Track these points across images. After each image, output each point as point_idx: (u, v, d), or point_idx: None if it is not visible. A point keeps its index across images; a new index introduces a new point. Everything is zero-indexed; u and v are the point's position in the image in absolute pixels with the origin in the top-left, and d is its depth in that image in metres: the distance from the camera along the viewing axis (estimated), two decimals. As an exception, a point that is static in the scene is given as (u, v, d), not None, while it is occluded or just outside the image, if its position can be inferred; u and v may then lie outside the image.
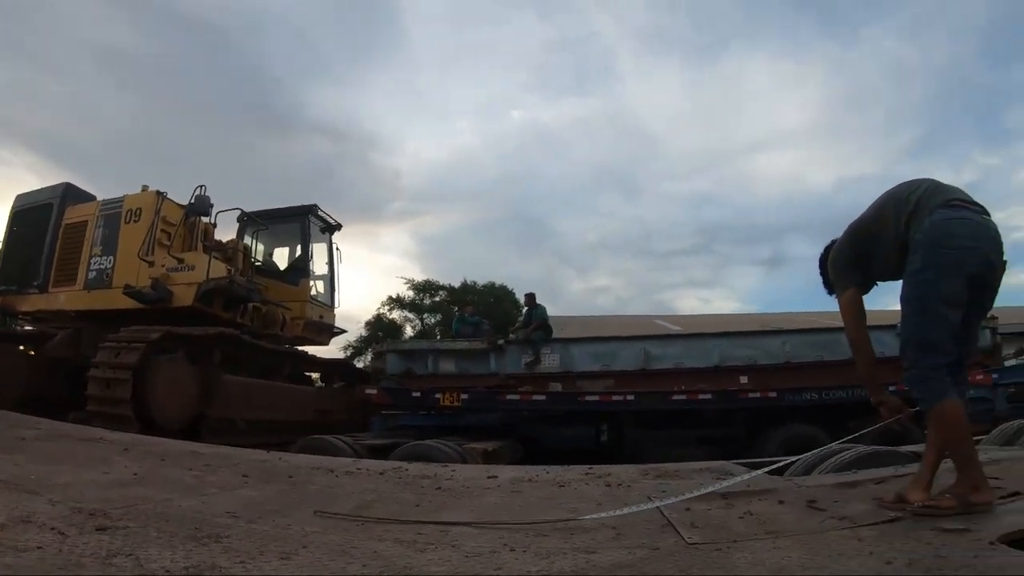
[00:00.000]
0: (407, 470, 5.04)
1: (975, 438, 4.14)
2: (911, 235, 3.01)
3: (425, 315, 37.05)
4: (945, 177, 3.44)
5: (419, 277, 38.60)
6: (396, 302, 36.80)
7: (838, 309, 3.47)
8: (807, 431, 9.96)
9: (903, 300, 3.01)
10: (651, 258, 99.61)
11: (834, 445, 4.91)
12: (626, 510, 2.98)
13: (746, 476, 3.90)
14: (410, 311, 37.06)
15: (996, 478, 3.26)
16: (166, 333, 8.43)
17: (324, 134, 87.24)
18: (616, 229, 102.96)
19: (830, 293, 3.59)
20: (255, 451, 6.11)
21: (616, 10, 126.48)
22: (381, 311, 36.61)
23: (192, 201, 10.28)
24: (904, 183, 3.25)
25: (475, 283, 38.07)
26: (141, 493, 3.25)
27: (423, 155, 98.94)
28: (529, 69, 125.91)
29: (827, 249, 3.59)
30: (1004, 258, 3.09)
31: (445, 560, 2.22)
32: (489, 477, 4.63)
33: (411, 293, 37.17)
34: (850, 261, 3.37)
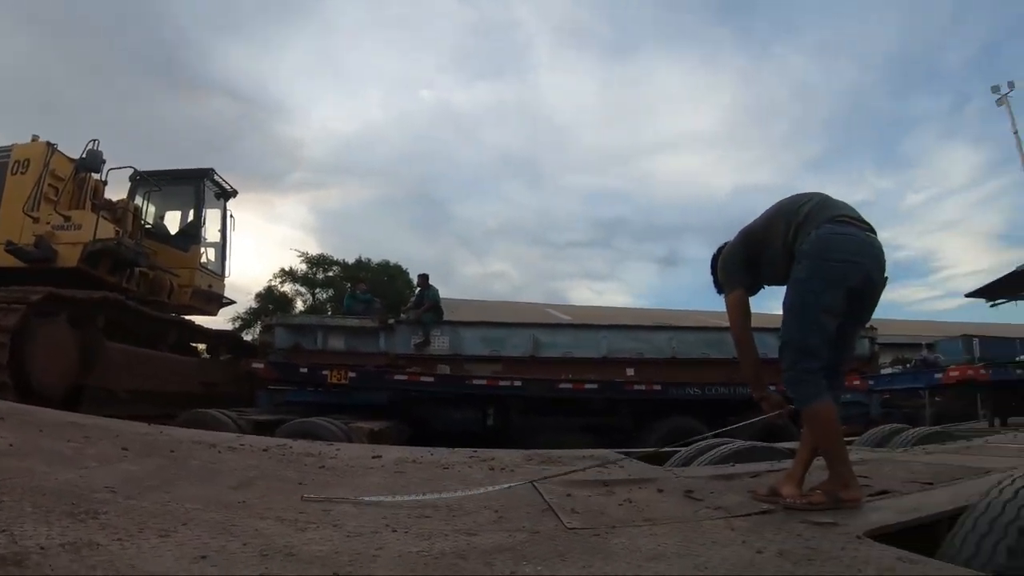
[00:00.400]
0: (291, 447, 4.97)
1: (848, 439, 4.34)
2: (798, 245, 3.15)
3: (317, 290, 36.47)
4: (838, 194, 3.61)
5: (314, 251, 37.80)
6: (288, 275, 36.05)
7: (722, 311, 3.61)
8: (690, 424, 10.21)
9: (785, 306, 3.16)
10: (548, 247, 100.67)
11: (711, 437, 5.10)
12: (500, 487, 3.05)
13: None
14: (302, 285, 36.34)
15: (865, 477, 3.49)
16: (48, 295, 8.03)
17: (228, 95, 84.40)
18: (516, 217, 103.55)
19: (719, 292, 3.70)
20: (136, 423, 5.87)
21: (538, 1, 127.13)
22: (272, 283, 35.82)
23: (83, 156, 9.77)
24: (796, 195, 3.41)
25: (369, 260, 37.60)
26: (16, 465, 3.10)
27: (329, 126, 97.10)
28: (445, 49, 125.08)
29: (719, 250, 3.71)
30: (885, 275, 3.25)
31: (327, 539, 2.21)
32: (374, 457, 4.62)
33: (304, 267, 36.44)
34: (740, 264, 3.49)
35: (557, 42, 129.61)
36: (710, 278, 3.76)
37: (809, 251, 3.08)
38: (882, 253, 3.24)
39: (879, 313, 3.40)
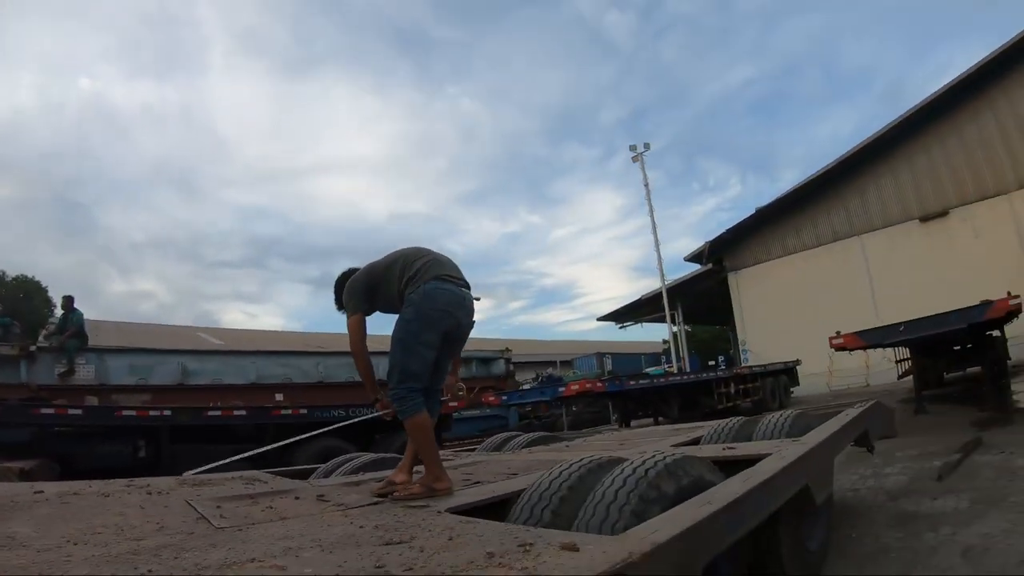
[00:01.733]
0: None
1: (473, 447, 5.36)
2: (408, 293, 4.13)
3: None
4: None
5: None
6: None
7: (373, 334, 4.52)
8: (336, 444, 10.87)
9: (394, 339, 4.09)
10: (199, 265, 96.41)
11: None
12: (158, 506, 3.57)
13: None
14: None
15: (469, 474, 4.64)
16: None
17: None
18: (166, 230, 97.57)
19: (339, 310, 4.62)
20: None
21: (224, 2, 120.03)
22: None
23: None
24: (417, 248, 4.46)
25: (4, 274, 34.20)
26: None
27: None
28: (115, 35, 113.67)
29: (344, 274, 4.66)
30: (473, 319, 4.40)
31: (20, 557, 2.59)
32: (35, 492, 4.68)
33: None
34: (361, 293, 4.35)
35: (235, 48, 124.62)
36: (369, 316, 4.58)
37: (416, 300, 4.06)
38: (471, 304, 4.35)
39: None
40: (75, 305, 13.97)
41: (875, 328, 13.41)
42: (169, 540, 2.79)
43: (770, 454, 3.82)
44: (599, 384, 17.95)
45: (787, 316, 28.56)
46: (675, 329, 37.00)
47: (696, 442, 5.76)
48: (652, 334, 44.25)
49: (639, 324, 41.50)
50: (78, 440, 10.52)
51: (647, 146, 34.92)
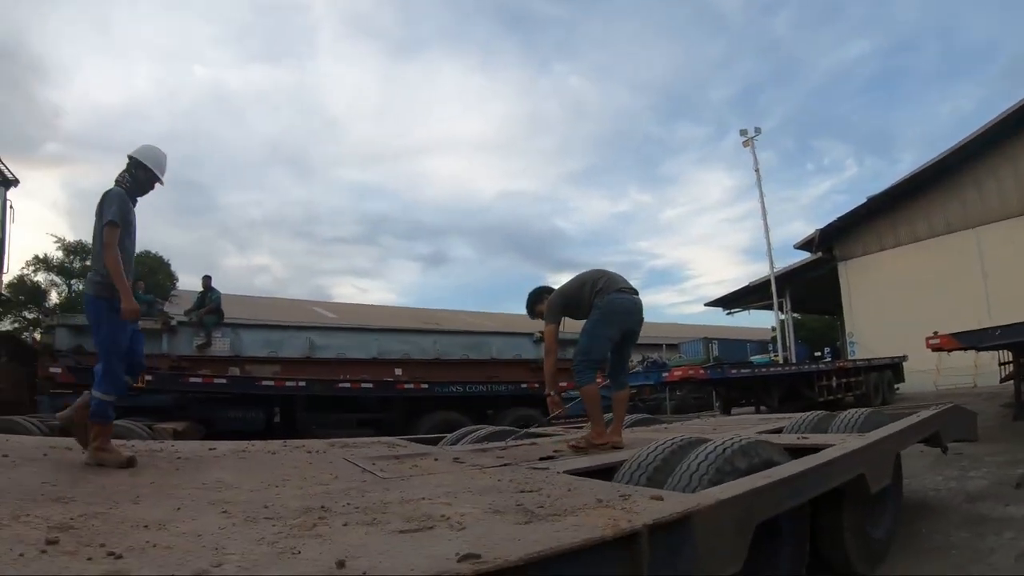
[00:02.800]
0: (134, 446, 5.36)
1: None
2: (595, 302, 5.69)
3: (74, 280, 33.20)
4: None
5: (66, 234, 34.58)
6: (43, 263, 32.90)
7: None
8: (453, 417, 11.84)
9: (584, 330, 5.74)
10: (313, 242, 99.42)
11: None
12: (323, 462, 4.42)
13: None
14: (58, 275, 33.34)
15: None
16: None
17: (-16, 45, 74.09)
18: (281, 208, 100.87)
19: (532, 317, 6.31)
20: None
21: None
22: (25, 272, 32.42)
23: None
24: (595, 271, 6.00)
25: None
26: None
27: (92, 95, 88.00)
28: (225, 24, 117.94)
29: (536, 291, 6.28)
30: (642, 318, 5.93)
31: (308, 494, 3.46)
32: (210, 449, 5.46)
33: (60, 254, 33.41)
34: (557, 309, 5.91)
35: (343, 32, 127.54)
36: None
37: (603, 306, 5.64)
38: (641, 308, 5.90)
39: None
40: (213, 285, 15.08)
41: (972, 330, 13.00)
42: (349, 485, 3.57)
43: (832, 444, 4.48)
44: (701, 371, 18.28)
45: (896, 309, 27.17)
46: (783, 317, 36.33)
47: (779, 431, 6.32)
48: (761, 320, 43.39)
49: (746, 311, 40.87)
50: (214, 405, 11.50)
51: (758, 130, 34.00)
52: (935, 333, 13.58)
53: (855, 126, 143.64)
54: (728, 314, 41.28)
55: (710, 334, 41.69)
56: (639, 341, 6.09)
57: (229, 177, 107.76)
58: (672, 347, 43.35)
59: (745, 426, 7.32)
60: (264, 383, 11.75)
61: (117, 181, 5.01)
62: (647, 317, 5.99)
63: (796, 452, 4.28)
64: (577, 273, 6.09)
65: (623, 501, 2.71)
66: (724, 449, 3.69)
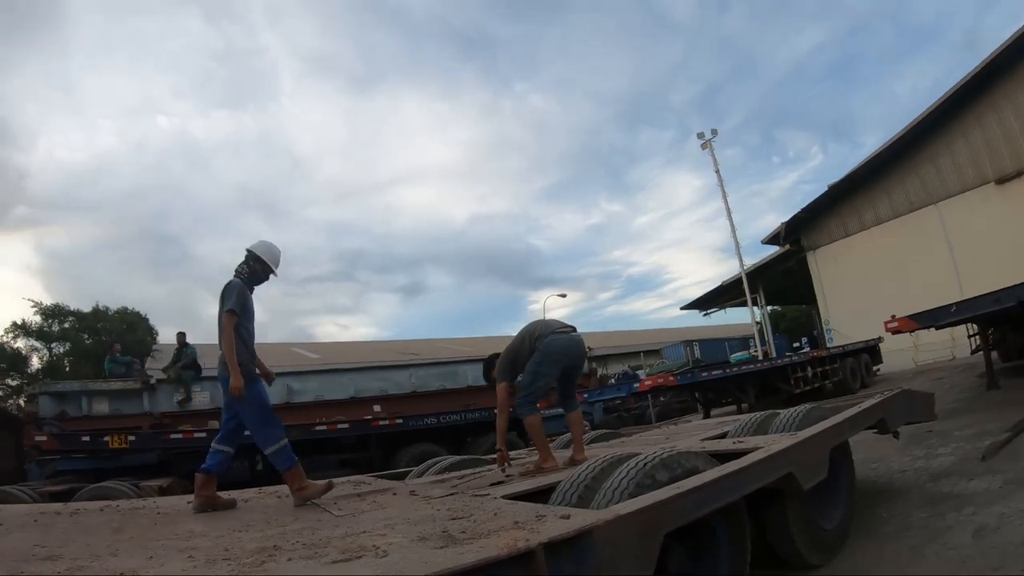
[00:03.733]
0: (119, 506, 5.75)
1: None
2: (536, 347, 6.12)
3: (54, 344, 33.47)
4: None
5: (42, 297, 34.50)
6: (22, 329, 32.61)
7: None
8: (430, 448, 12.15)
9: (527, 370, 6.13)
10: (290, 283, 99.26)
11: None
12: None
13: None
14: (37, 339, 33.07)
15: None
16: None
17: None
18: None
19: (488, 383, 6.65)
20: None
21: (286, 29, 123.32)
22: (4, 340, 32.31)
23: None
24: (532, 323, 6.46)
25: (107, 308, 35.44)
26: None
27: (57, 155, 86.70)
28: (185, 73, 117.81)
29: (490, 357, 6.70)
30: (583, 352, 6.60)
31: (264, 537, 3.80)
32: (188, 503, 5.75)
33: (38, 319, 33.16)
34: (507, 367, 6.29)
35: (302, 71, 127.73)
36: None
37: (541, 349, 6.09)
38: (580, 343, 6.38)
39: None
40: (187, 340, 15.23)
41: (928, 310, 13.07)
42: (304, 525, 3.91)
43: (760, 447, 4.71)
44: (671, 378, 18.61)
45: (868, 292, 27.32)
46: (758, 315, 36.55)
47: (724, 436, 6.61)
48: (743, 317, 43.62)
49: (723, 310, 41.08)
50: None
51: (714, 132, 34.54)
52: (892, 316, 13.77)
53: (817, 115, 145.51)
54: (704, 315, 41.54)
55: (694, 336, 42.03)
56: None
57: (201, 226, 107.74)
58: (655, 353, 43.55)
59: (693, 433, 7.66)
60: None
61: (236, 272, 5.72)
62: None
63: (726, 457, 4.54)
64: (524, 326, 6.55)
65: (537, 521, 3.04)
66: (645, 464, 4.00)
